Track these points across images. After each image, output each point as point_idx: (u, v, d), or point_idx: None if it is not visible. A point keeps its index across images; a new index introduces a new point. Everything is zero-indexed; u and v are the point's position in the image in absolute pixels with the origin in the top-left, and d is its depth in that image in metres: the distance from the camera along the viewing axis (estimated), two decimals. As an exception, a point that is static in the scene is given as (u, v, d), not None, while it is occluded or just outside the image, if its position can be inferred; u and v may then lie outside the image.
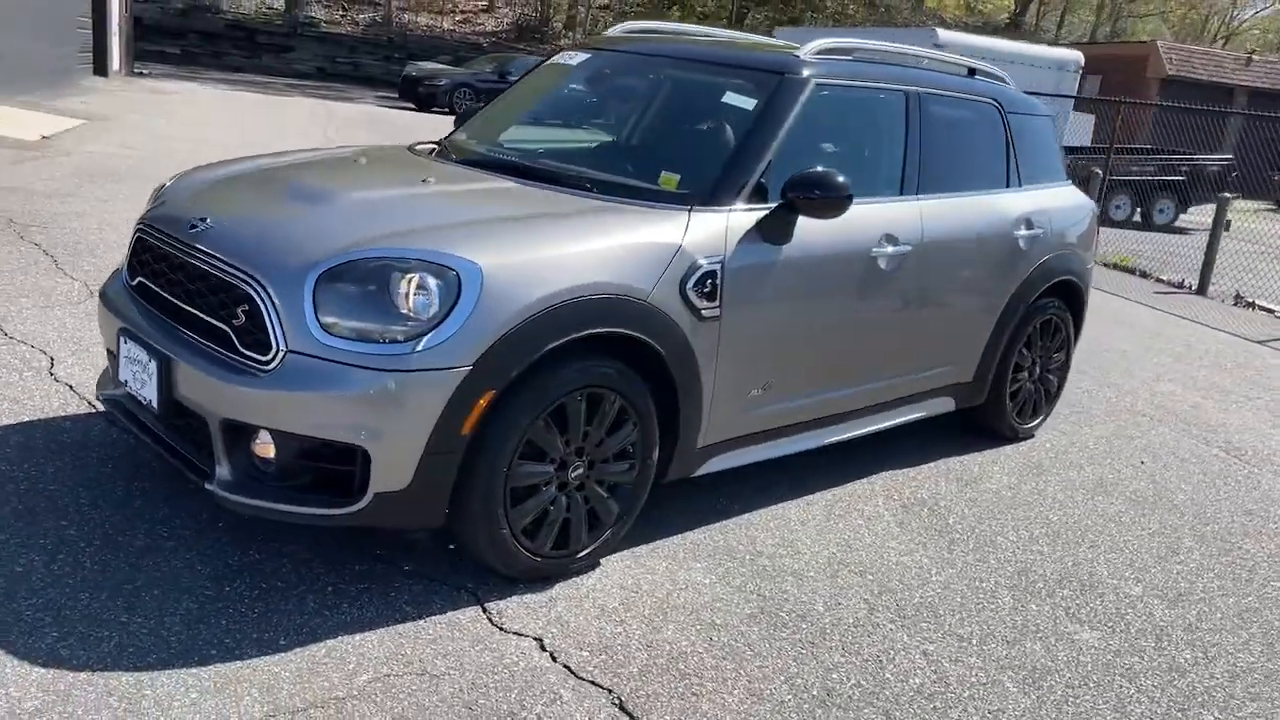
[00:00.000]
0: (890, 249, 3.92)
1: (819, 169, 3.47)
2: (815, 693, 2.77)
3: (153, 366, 2.96)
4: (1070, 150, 16.74)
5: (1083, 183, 13.28)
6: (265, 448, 2.79)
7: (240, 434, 2.80)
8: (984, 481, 4.44)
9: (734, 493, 3.93)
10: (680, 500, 3.78)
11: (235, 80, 26.70)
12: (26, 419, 3.76)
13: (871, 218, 3.90)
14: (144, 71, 26.14)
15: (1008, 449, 4.89)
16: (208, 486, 2.83)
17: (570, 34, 38.65)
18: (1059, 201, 4.94)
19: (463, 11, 40.69)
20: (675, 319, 3.19)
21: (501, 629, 2.86)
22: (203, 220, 3.09)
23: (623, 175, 3.64)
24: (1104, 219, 17.22)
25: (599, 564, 3.29)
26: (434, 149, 4.09)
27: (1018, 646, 3.13)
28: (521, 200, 3.40)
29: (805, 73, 3.77)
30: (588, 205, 3.33)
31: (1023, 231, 4.59)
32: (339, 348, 2.71)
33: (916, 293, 4.10)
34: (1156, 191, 18.10)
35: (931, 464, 4.55)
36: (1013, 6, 48.13)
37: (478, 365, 2.75)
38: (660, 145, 4.02)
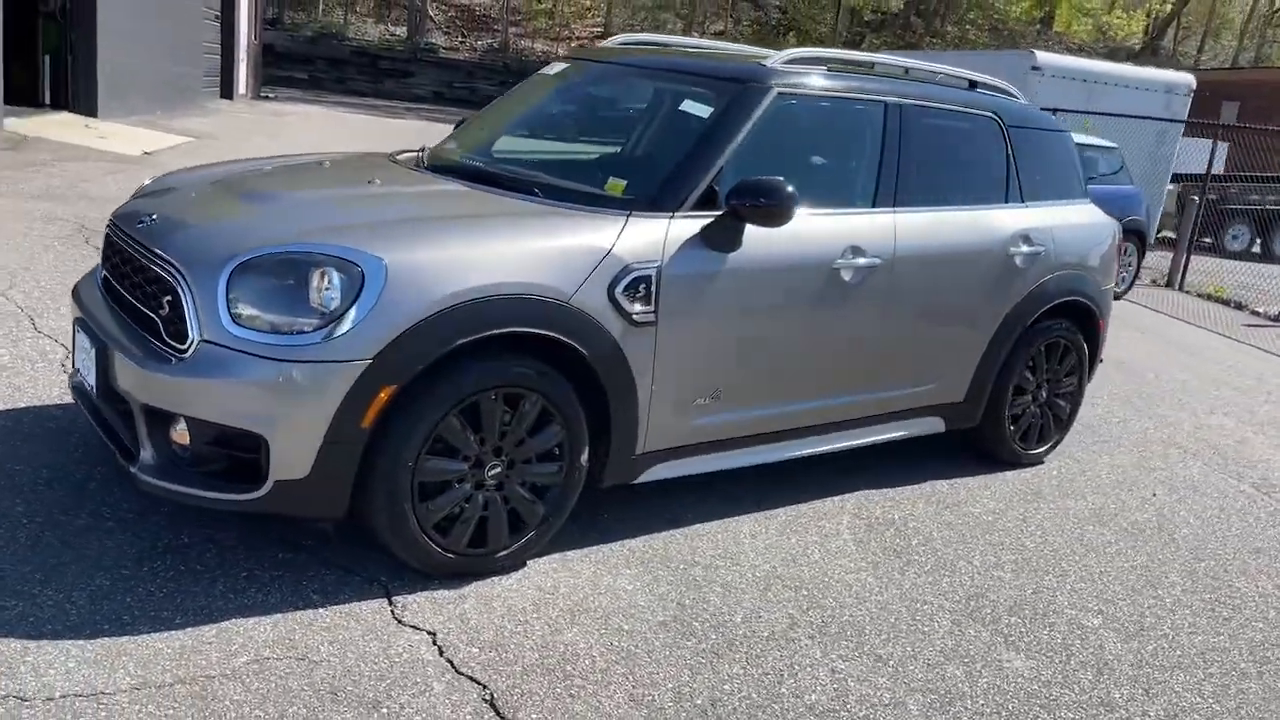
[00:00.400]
0: (856, 261, 3.84)
1: (764, 177, 3.44)
2: (699, 702, 2.72)
3: (93, 354, 3.12)
4: (1183, 178, 16.04)
5: (1180, 209, 12.73)
6: (182, 434, 2.90)
7: (161, 420, 2.92)
8: (967, 505, 4.29)
9: (691, 503, 3.90)
10: (632, 507, 3.77)
11: (355, 103, 27.76)
12: (23, 405, 3.99)
13: (836, 229, 3.83)
14: (269, 95, 27.41)
15: (1009, 474, 4.71)
16: (131, 469, 2.95)
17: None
18: (1069, 219, 4.75)
19: (578, 38, 41.45)
20: (603, 322, 3.19)
21: (400, 622, 2.90)
22: (150, 216, 3.24)
23: (577, 181, 3.66)
24: (1218, 248, 16.51)
25: (525, 565, 3.30)
26: (416, 156, 4.20)
27: (938, 670, 3.01)
28: (459, 202, 3.46)
29: (768, 82, 3.74)
30: (522, 208, 3.37)
31: (1019, 248, 4.43)
32: (247, 338, 2.81)
33: (889, 307, 4.00)
34: (1278, 221, 17.17)
35: (917, 485, 4.41)
36: (1147, 31, 46.49)
37: (378, 359, 2.81)
38: (618, 152, 4.03)
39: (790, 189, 3.41)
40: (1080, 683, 3.05)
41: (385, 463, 2.91)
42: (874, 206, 4.02)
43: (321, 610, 2.90)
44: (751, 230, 3.53)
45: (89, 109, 14.24)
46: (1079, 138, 10.49)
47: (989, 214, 4.41)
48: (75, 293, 3.54)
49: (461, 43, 37.91)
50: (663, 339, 3.38)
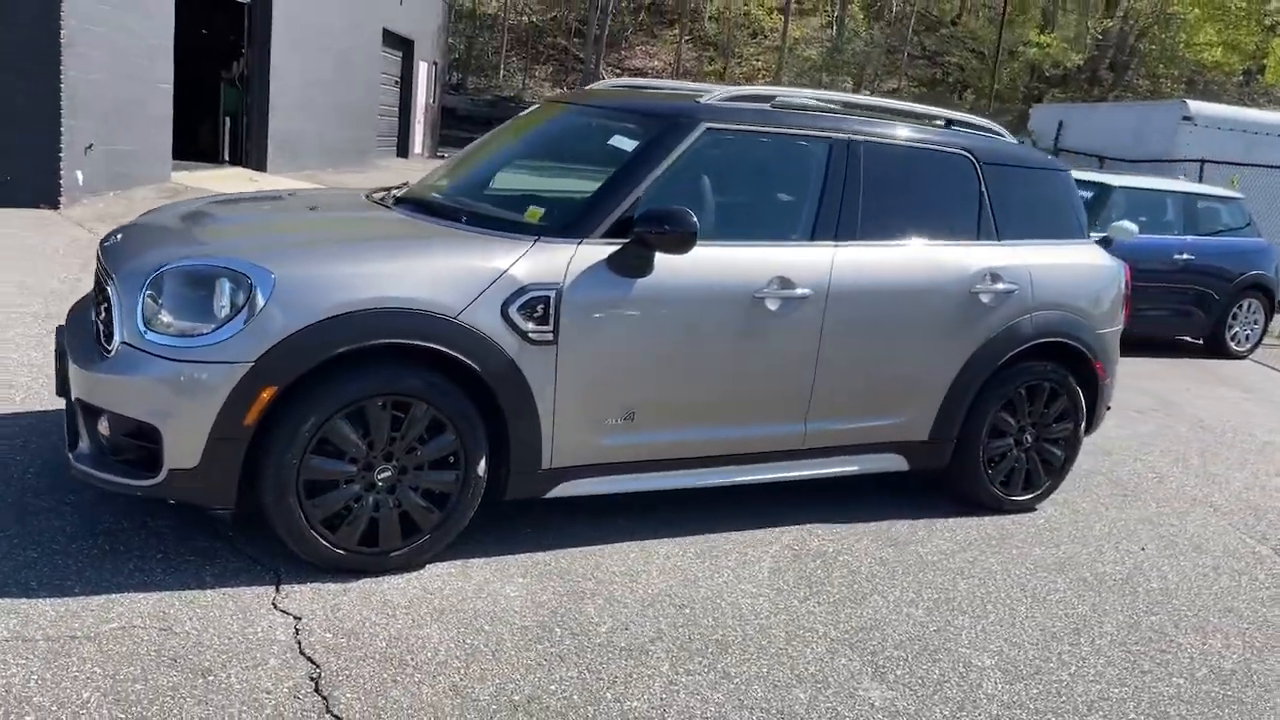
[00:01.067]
0: (784, 292, 3.89)
1: (670, 206, 3.57)
2: (517, 698, 2.83)
3: (55, 356, 3.56)
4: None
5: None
6: (105, 426, 3.28)
7: (93, 414, 3.30)
8: (917, 545, 4.20)
9: (621, 523, 4.01)
10: (555, 522, 3.93)
11: None
12: (38, 408, 4.52)
13: (763, 259, 3.91)
14: (444, 154, 29.10)
15: (987, 519, 4.57)
16: (68, 456, 3.35)
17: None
18: (1056, 259, 4.63)
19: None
20: (494, 339, 3.39)
21: (274, 606, 3.15)
22: (117, 236, 3.68)
23: (507, 210, 3.89)
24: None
25: (422, 567, 3.50)
26: (387, 192, 4.47)
27: (782, 691, 3.01)
28: (381, 227, 3.76)
29: (696, 119, 3.88)
30: (436, 232, 3.64)
31: (986, 286, 4.35)
32: (156, 341, 3.16)
33: (826, 339, 4.02)
34: None
35: (875, 522, 4.36)
36: (1367, 81, 43.08)
37: (259, 362, 3.11)
38: (555, 185, 4.24)
39: (693, 218, 3.53)
40: (932, 717, 2.98)
41: (271, 459, 3.19)
42: (812, 240, 4.06)
43: (209, 591, 3.19)
44: (668, 258, 3.66)
45: (259, 165, 15.61)
46: (1198, 188, 9.98)
47: (952, 250, 4.36)
48: (72, 307, 4.03)
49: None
50: (564, 358, 3.54)
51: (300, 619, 3.10)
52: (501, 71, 39.15)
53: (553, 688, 2.90)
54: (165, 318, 3.18)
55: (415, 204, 4.07)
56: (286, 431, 3.19)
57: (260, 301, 3.14)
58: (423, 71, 27.10)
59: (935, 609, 3.66)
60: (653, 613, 3.39)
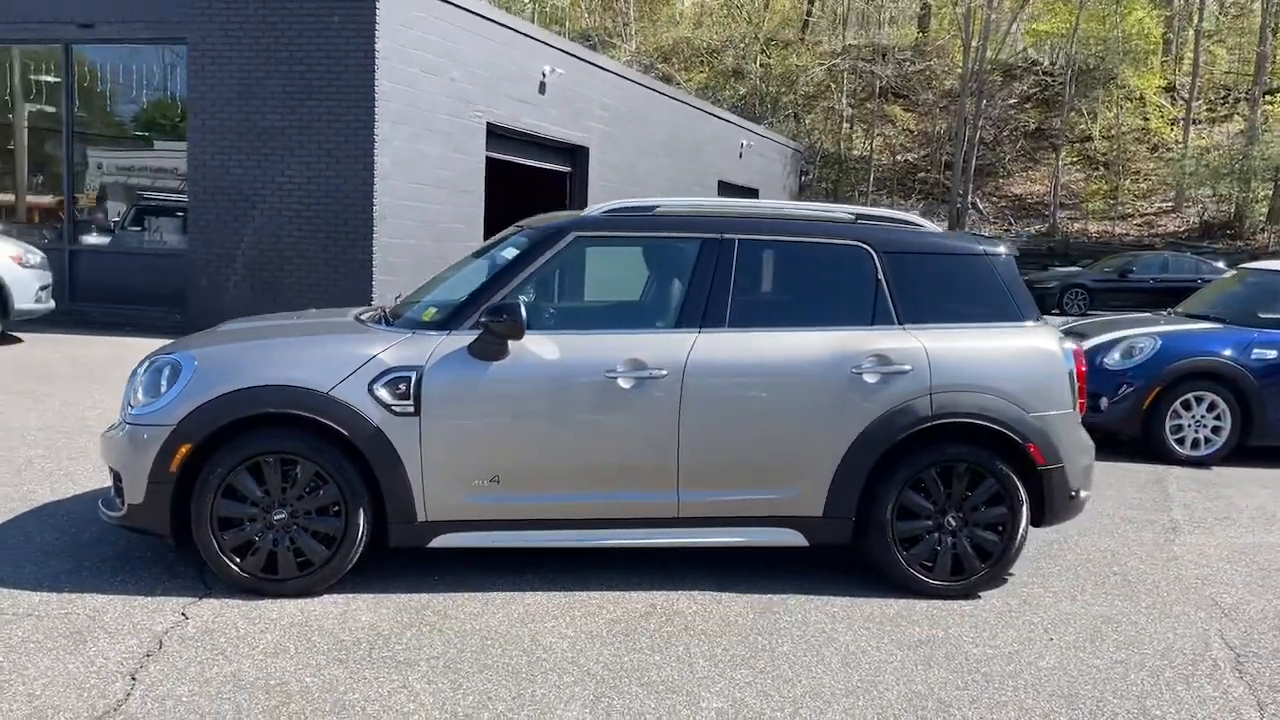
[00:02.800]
0: (636, 372, 4.40)
1: (507, 300, 4.31)
2: (272, 684, 3.59)
3: (117, 429, 4.97)
4: None
5: None
6: (109, 477, 4.58)
7: (114, 473, 4.62)
8: (786, 616, 4.35)
9: (529, 578, 4.61)
10: (471, 570, 4.63)
11: None
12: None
13: (617, 344, 4.47)
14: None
15: (917, 604, 4.53)
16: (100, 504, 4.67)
17: (1271, 227, 35.04)
18: (975, 342, 4.64)
19: (1142, 214, 39.34)
20: (360, 410, 4.28)
21: (183, 611, 4.17)
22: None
23: (416, 312, 4.79)
24: None
25: (320, 594, 4.37)
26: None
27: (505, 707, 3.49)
28: (316, 331, 4.80)
29: (567, 230, 4.59)
30: (346, 330, 4.63)
31: (871, 368, 4.51)
32: (131, 414, 4.42)
33: (684, 415, 4.42)
34: None
35: (778, 595, 4.55)
36: None
37: (179, 425, 4.25)
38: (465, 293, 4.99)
39: (521, 310, 4.24)
40: (598, 736, 3.30)
41: (194, 499, 4.29)
42: (676, 328, 4.54)
43: (138, 596, 4.27)
44: (525, 344, 4.37)
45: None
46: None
47: (832, 335, 4.58)
48: None
49: (1006, 230, 38.13)
50: (427, 427, 4.33)
51: (187, 618, 4.09)
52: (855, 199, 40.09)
53: (321, 678, 3.62)
54: (139, 396, 4.44)
55: (377, 315, 5.08)
56: (202, 479, 4.27)
57: (184, 381, 4.30)
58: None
59: (738, 672, 3.86)
60: (455, 641, 3.98)
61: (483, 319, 4.35)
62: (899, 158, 42.20)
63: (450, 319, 4.47)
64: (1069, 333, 8.81)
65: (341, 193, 12.16)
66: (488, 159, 14.55)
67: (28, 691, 3.43)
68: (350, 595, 4.40)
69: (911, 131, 42.51)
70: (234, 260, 12.56)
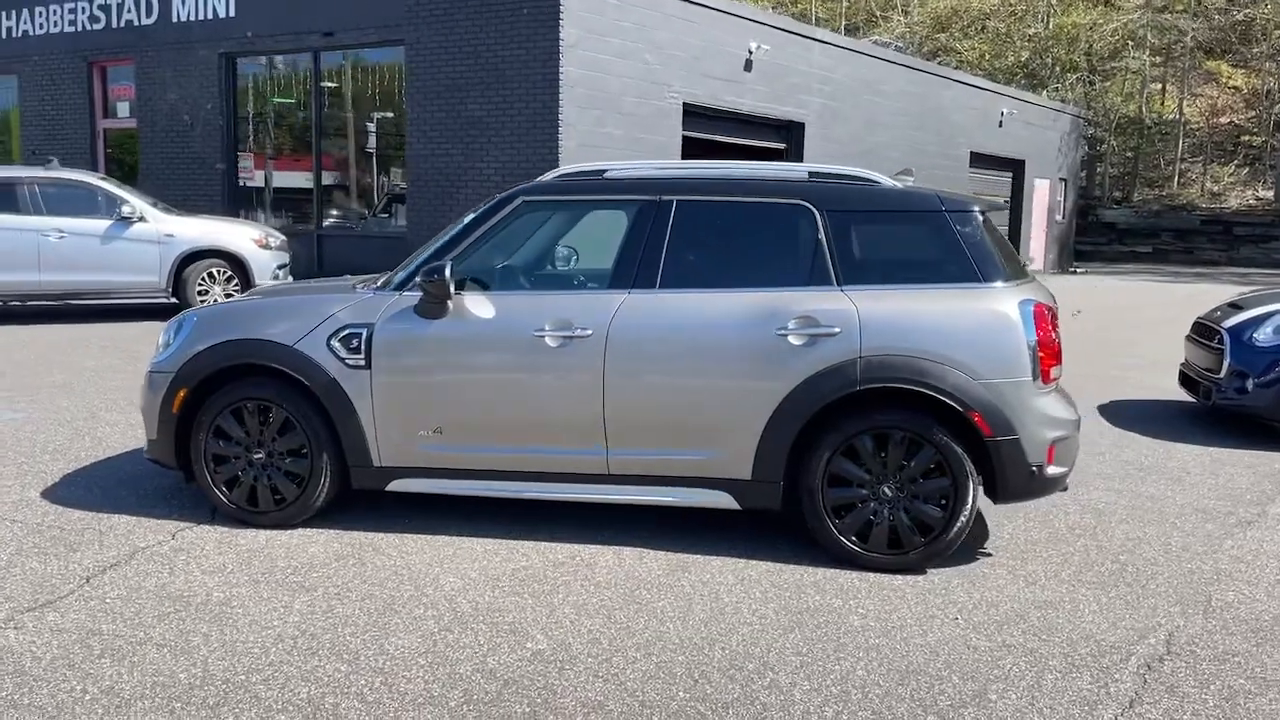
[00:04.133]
0: (561, 331, 4.56)
1: (435, 263, 4.62)
2: (199, 601, 4.12)
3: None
4: None
5: None
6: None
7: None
8: (693, 575, 4.36)
9: (482, 524, 4.91)
10: (436, 515, 5.01)
11: (1184, 273, 27.34)
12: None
13: (550, 304, 4.65)
14: (1077, 269, 28.37)
15: (842, 575, 4.40)
16: (150, 440, 5.47)
17: None
18: (918, 304, 4.39)
19: None
20: (320, 362, 4.75)
21: (173, 533, 4.84)
22: None
23: (392, 276, 5.16)
24: None
25: (292, 527, 4.90)
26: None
27: (335, 628, 3.83)
28: (309, 293, 5.30)
29: (515, 194, 4.82)
30: (330, 289, 5.10)
31: (796, 329, 4.39)
32: (151, 362, 5.14)
33: (608, 374, 4.52)
34: None
35: (705, 556, 4.55)
36: None
37: (178, 372, 4.91)
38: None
39: (444, 270, 4.53)
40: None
41: (193, 439, 4.94)
42: (609, 288, 4.63)
43: (151, 519, 4.98)
44: (463, 303, 4.66)
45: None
46: None
47: (762, 296, 4.49)
48: None
49: (1345, 199, 33.28)
50: (376, 380, 4.73)
51: (172, 539, 4.74)
52: (1177, 179, 36.32)
53: (226, 594, 4.12)
54: (157, 348, 5.16)
55: (371, 280, 5.50)
56: (198, 420, 4.92)
57: (185, 335, 4.95)
58: (1040, 188, 26.97)
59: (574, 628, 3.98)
60: (366, 575, 4.35)
61: (416, 279, 4.66)
62: (1218, 120, 37.89)
63: (403, 281, 4.83)
64: (1233, 305, 7.83)
65: (529, 177, 12.86)
66: (687, 138, 14.81)
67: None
68: (316, 530, 4.88)
69: (1239, 90, 38.01)
70: (441, 240, 13.66)
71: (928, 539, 4.40)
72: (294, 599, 4.07)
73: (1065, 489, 4.64)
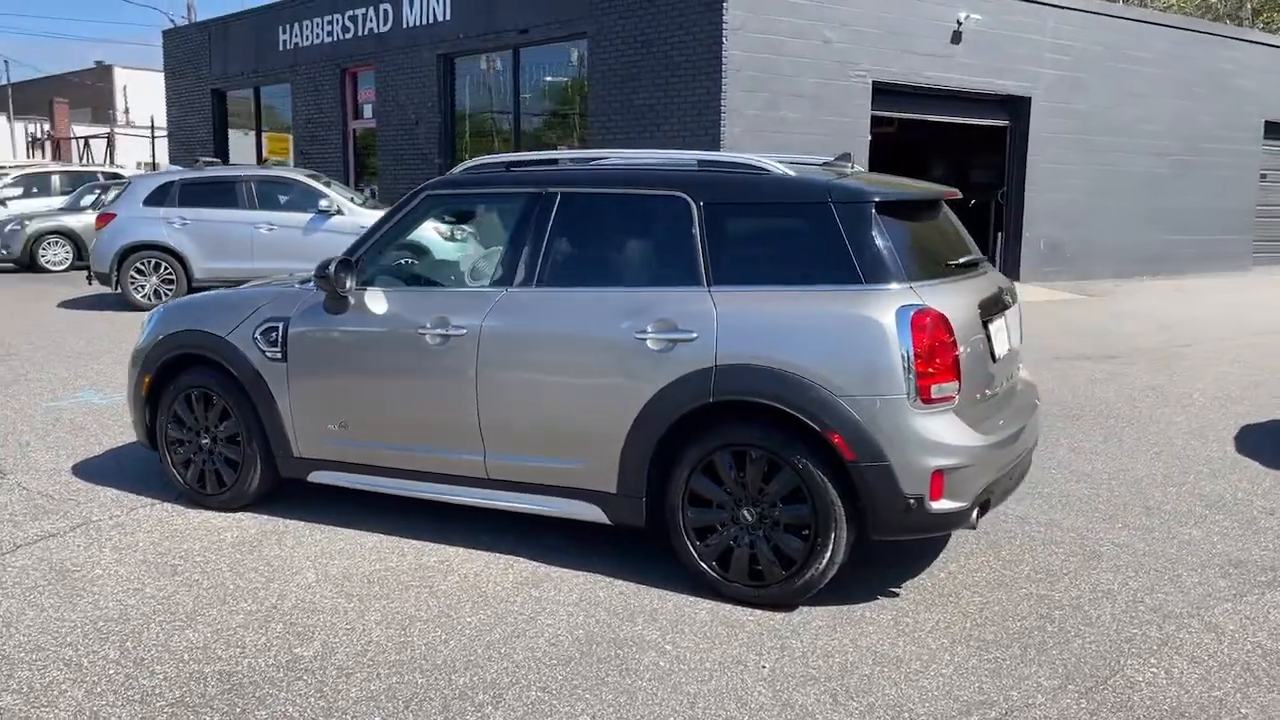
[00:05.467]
0: (439, 330, 4.46)
1: (328, 260, 4.65)
2: (62, 570, 4.44)
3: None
4: None
5: None
6: (156, 399, 5.80)
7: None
8: (539, 589, 4.12)
9: (391, 520, 4.92)
10: (367, 509, 5.10)
11: None
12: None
13: (425, 302, 4.56)
14: None
15: (700, 605, 4.01)
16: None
17: None
18: (782, 308, 3.89)
19: None
20: (245, 352, 4.93)
21: (129, 506, 5.22)
22: None
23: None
24: None
25: (237, 510, 5.14)
26: None
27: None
28: (252, 285, 5.45)
29: (420, 188, 4.75)
30: (275, 282, 5.26)
31: (655, 333, 4.02)
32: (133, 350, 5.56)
33: (480, 375, 4.37)
34: None
35: (573, 571, 4.31)
36: None
37: (145, 358, 5.27)
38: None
39: (331, 265, 4.55)
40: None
41: (157, 421, 5.30)
42: (491, 285, 4.46)
43: (132, 495, 5.39)
44: (363, 300, 4.68)
45: (1013, 274, 16.23)
46: None
47: (628, 295, 4.15)
48: None
49: None
50: (291, 372, 4.85)
51: (133, 512, 5.10)
52: None
53: (106, 571, 4.40)
54: (140, 333, 5.55)
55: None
56: (160, 404, 5.27)
57: (152, 324, 5.31)
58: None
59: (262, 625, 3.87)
60: (245, 560, 4.47)
61: (314, 275, 4.71)
62: None
63: (318, 275, 4.89)
64: None
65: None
66: (878, 118, 13.98)
67: (-57, 545, 4.68)
68: (254, 515, 5.07)
69: None
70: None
71: (789, 573, 3.90)
72: (154, 582, 4.25)
73: (973, 528, 3.95)
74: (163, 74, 24.74)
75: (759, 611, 3.92)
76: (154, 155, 28.73)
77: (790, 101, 12.97)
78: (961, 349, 3.84)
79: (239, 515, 5.07)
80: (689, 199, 4.13)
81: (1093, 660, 3.56)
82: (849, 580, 4.10)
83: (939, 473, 3.74)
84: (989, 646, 3.66)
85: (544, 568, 4.37)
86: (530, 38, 15.08)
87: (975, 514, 3.87)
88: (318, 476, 4.92)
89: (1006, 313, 4.45)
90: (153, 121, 33.01)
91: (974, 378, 3.97)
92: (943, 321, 3.77)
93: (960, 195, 4.71)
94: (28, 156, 35.97)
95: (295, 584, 4.23)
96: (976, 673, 3.46)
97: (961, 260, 4.24)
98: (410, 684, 3.39)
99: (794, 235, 4.01)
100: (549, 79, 15.60)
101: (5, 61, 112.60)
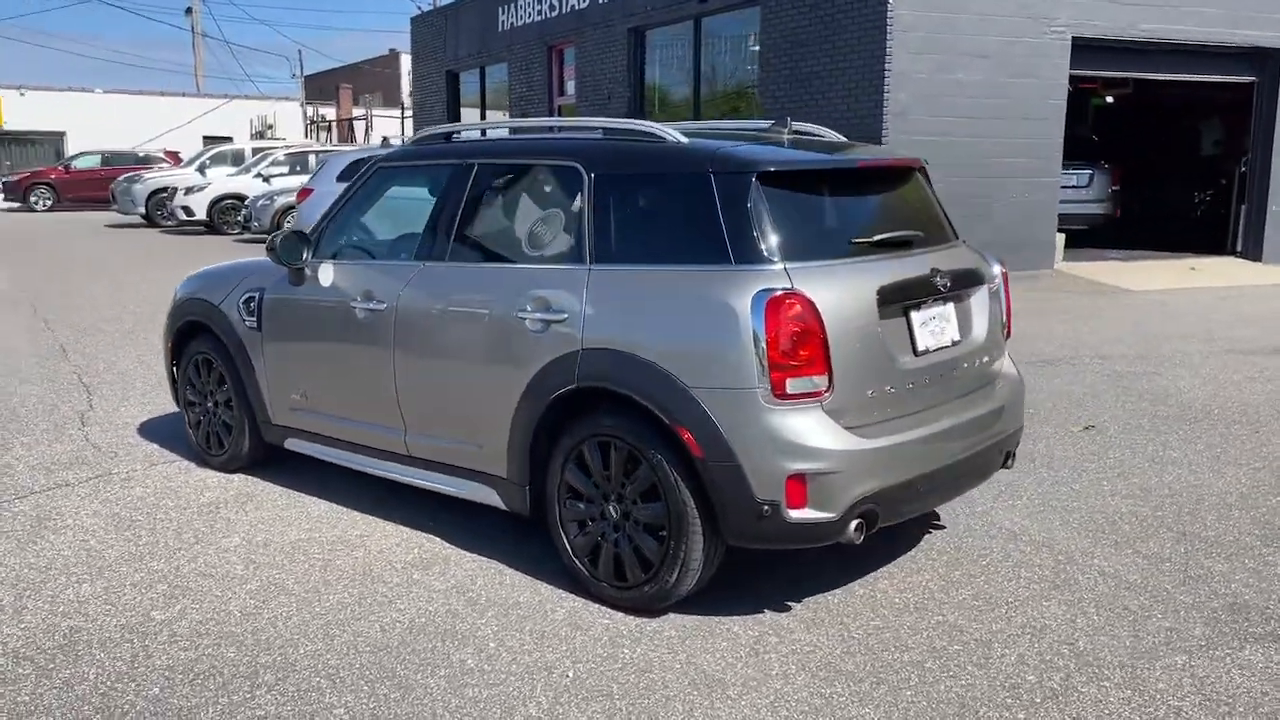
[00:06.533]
0: (364, 304, 4.44)
1: (277, 232, 4.74)
2: (46, 515, 4.80)
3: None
4: None
5: None
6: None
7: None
8: (428, 570, 4.02)
9: (352, 489, 5.00)
10: (333, 473, 5.22)
11: None
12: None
13: (359, 276, 4.55)
14: None
15: (560, 602, 3.80)
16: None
17: None
18: (645, 287, 3.59)
19: None
20: (232, 321, 5.14)
21: (153, 459, 5.59)
22: None
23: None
24: None
25: (233, 473, 5.39)
26: None
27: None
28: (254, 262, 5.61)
29: (374, 159, 4.75)
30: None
31: (532, 313, 3.80)
32: None
33: (396, 350, 4.32)
34: None
35: (481, 558, 4.19)
36: None
37: (167, 325, 5.62)
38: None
39: (275, 239, 4.65)
40: (57, 605, 3.83)
41: (180, 379, 5.62)
42: (415, 259, 4.38)
43: (160, 449, 5.79)
44: (317, 273, 4.73)
45: (1254, 254, 14.34)
46: None
47: (515, 272, 3.97)
48: None
49: None
50: (265, 341, 5.01)
51: (152, 467, 5.47)
52: None
53: (83, 522, 4.73)
54: (179, 301, 5.92)
55: None
56: (180, 369, 5.60)
57: (180, 289, 5.62)
58: None
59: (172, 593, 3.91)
60: (204, 519, 4.66)
61: (267, 247, 4.80)
62: None
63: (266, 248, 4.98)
64: None
65: (858, 135, 11.98)
66: (1077, 77, 12.65)
67: (-28, 488, 5.20)
68: (246, 477, 5.28)
69: None
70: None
71: (647, 576, 3.59)
72: (104, 536, 4.50)
73: (854, 543, 3.45)
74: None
75: (619, 615, 3.64)
76: (403, 134, 30.73)
77: (968, 63, 11.96)
78: (837, 339, 3.36)
79: (233, 476, 5.30)
80: (583, 170, 3.86)
81: (946, 708, 3.03)
82: (758, 586, 3.77)
83: (797, 478, 3.31)
84: (838, 679, 3.20)
85: (448, 549, 4.27)
86: (708, 7, 14.77)
87: (854, 528, 3.39)
88: (291, 444, 5.05)
89: (954, 298, 3.86)
90: (402, 104, 35.37)
91: (866, 372, 3.47)
92: (807, 308, 3.31)
93: (903, 163, 4.12)
94: (307, 138, 39.47)
95: (216, 548, 4.36)
96: (796, 707, 3.04)
97: (880, 238, 3.70)
98: (216, 657, 3.40)
99: (675, 210, 3.65)
100: (728, 50, 15.23)
101: (300, 52, 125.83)
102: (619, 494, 3.64)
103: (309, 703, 3.11)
